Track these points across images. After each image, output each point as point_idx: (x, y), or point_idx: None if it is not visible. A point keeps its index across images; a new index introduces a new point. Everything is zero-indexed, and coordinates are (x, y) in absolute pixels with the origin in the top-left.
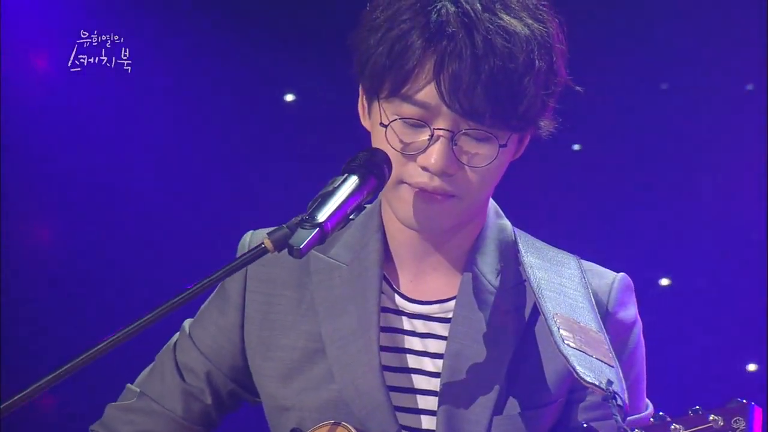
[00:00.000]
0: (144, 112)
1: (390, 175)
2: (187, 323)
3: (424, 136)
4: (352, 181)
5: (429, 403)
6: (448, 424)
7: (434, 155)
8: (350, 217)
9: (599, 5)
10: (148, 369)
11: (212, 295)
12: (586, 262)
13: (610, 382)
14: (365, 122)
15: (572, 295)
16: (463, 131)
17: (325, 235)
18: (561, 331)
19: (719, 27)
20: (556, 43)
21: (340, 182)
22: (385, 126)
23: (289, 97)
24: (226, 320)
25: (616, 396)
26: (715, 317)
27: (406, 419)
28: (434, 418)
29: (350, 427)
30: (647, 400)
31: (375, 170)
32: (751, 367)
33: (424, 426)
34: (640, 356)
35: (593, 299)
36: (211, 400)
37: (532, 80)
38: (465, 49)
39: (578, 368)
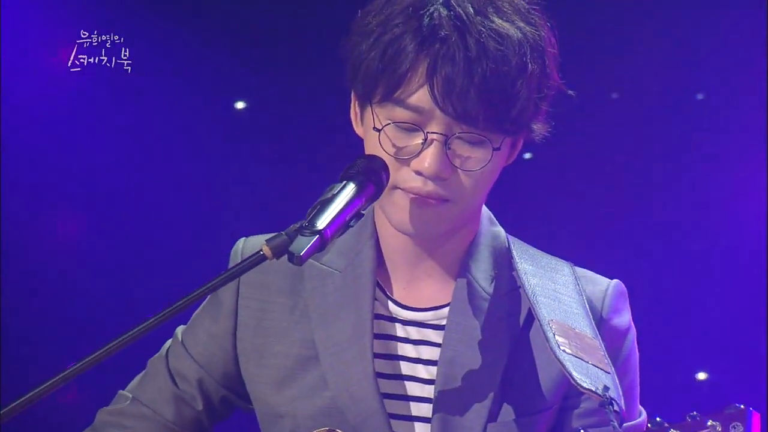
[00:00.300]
0: (143, 113)
1: (388, 182)
2: (179, 330)
3: (418, 140)
4: (351, 188)
5: (422, 410)
6: (442, 431)
7: (428, 159)
8: (350, 224)
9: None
10: (140, 375)
11: (205, 301)
12: (580, 268)
13: (606, 388)
14: (358, 129)
15: (567, 301)
16: (457, 135)
17: (325, 242)
18: (557, 337)
19: (673, 37)
20: (548, 46)
21: (338, 189)
22: (379, 130)
23: (240, 105)
24: (218, 327)
25: (613, 402)
26: (662, 326)
27: (399, 426)
28: (428, 425)
29: None
30: (641, 407)
31: (373, 177)
32: (701, 375)
33: None
34: (633, 363)
35: (588, 306)
36: (202, 407)
37: (525, 83)
38: (458, 53)
39: (575, 374)
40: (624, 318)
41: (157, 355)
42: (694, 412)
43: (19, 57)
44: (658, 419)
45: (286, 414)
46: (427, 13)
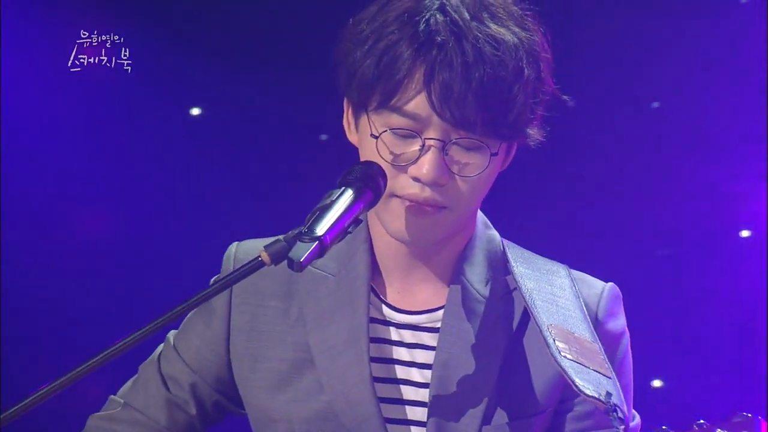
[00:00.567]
0: (139, 115)
1: (386, 188)
2: (171, 334)
3: (415, 146)
4: (349, 195)
5: (417, 413)
6: None
7: (426, 165)
8: (348, 230)
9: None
10: (131, 381)
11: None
12: (575, 271)
13: (609, 395)
14: (351, 137)
15: (564, 304)
16: (454, 141)
17: (324, 248)
18: (557, 342)
19: (629, 45)
20: (542, 51)
21: (337, 195)
22: (376, 137)
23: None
24: (211, 332)
25: (617, 409)
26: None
27: (395, 430)
28: (422, 429)
29: None
30: (634, 411)
31: (371, 183)
32: (656, 383)
33: None
34: (627, 366)
35: (585, 308)
36: (195, 411)
37: (522, 88)
38: (455, 58)
39: (578, 381)
40: (619, 321)
41: (148, 360)
42: (701, 420)
43: (19, 57)
44: (663, 427)
45: (280, 418)
46: (423, 20)
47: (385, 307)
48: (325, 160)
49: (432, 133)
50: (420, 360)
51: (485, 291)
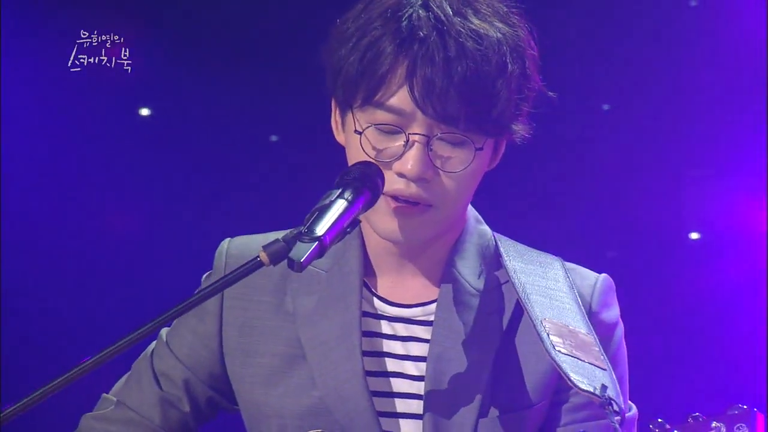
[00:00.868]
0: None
1: (383, 188)
2: (164, 331)
3: (399, 142)
4: (348, 195)
5: (411, 406)
6: (433, 428)
7: (410, 161)
8: (347, 230)
9: None
10: (123, 378)
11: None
12: (568, 263)
13: (604, 388)
14: (339, 136)
15: (559, 297)
16: (438, 136)
17: (324, 248)
18: (551, 337)
19: (580, 47)
20: (527, 48)
21: (335, 196)
22: (360, 133)
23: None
24: (203, 328)
25: (612, 402)
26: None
27: (387, 424)
28: (415, 421)
29: None
30: (630, 402)
31: (369, 183)
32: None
33: (406, 429)
34: (621, 357)
35: (579, 300)
36: (189, 408)
37: (505, 83)
38: (437, 53)
39: (572, 376)
40: (613, 312)
41: (141, 357)
42: (696, 413)
43: (19, 57)
44: (659, 420)
45: (273, 414)
46: (406, 15)
47: (376, 300)
48: (276, 160)
49: (416, 128)
50: (415, 353)
51: (478, 284)
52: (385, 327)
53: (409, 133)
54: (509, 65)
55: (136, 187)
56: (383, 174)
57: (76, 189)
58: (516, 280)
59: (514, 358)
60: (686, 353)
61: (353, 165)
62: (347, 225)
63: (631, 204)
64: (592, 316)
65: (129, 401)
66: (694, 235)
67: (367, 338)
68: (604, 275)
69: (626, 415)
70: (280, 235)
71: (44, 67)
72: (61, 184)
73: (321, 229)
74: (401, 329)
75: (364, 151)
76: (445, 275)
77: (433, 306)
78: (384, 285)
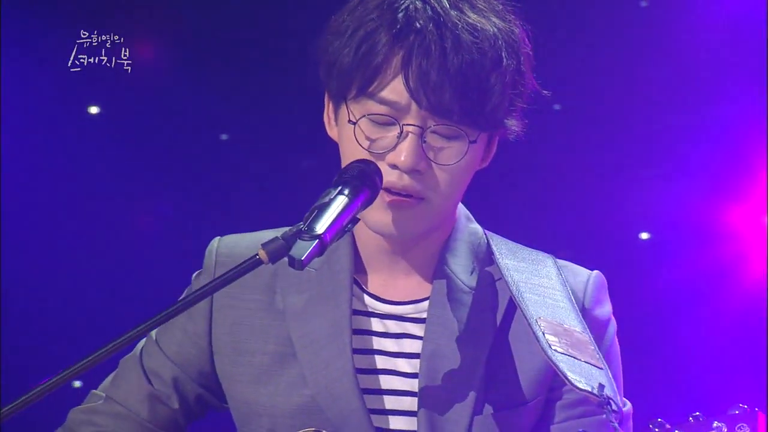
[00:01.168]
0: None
1: (382, 186)
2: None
3: (393, 133)
4: (347, 193)
5: (405, 403)
6: (429, 426)
7: (404, 152)
8: (346, 228)
9: None
10: (112, 375)
11: (179, 300)
12: (561, 260)
13: (602, 387)
14: (331, 131)
15: (552, 294)
16: (432, 128)
17: (324, 246)
18: (547, 336)
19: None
20: (522, 45)
21: (335, 194)
22: (354, 123)
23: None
24: (194, 326)
25: (610, 401)
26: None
27: (379, 421)
28: (408, 418)
29: None
30: (625, 399)
31: (367, 181)
32: None
33: (399, 427)
34: (614, 354)
35: (572, 297)
36: (178, 405)
37: (500, 78)
38: (433, 45)
39: (569, 375)
40: (605, 309)
41: (129, 354)
42: (698, 413)
43: (19, 57)
44: (659, 420)
45: (264, 413)
46: (402, 7)
47: (367, 297)
48: (227, 159)
49: (410, 120)
50: (407, 349)
51: (470, 281)
52: (377, 324)
53: (403, 125)
54: (504, 59)
55: (136, 187)
56: (381, 172)
57: (76, 189)
58: (509, 278)
59: (508, 355)
60: (639, 353)
61: (351, 163)
62: (347, 223)
63: (582, 204)
64: (585, 313)
65: (117, 396)
66: (644, 235)
67: (358, 336)
68: (596, 272)
69: (623, 409)
70: (269, 233)
71: (44, 67)
72: (61, 185)
73: (321, 227)
74: (393, 326)
75: (357, 141)
76: (437, 273)
77: (425, 303)
78: (375, 282)
